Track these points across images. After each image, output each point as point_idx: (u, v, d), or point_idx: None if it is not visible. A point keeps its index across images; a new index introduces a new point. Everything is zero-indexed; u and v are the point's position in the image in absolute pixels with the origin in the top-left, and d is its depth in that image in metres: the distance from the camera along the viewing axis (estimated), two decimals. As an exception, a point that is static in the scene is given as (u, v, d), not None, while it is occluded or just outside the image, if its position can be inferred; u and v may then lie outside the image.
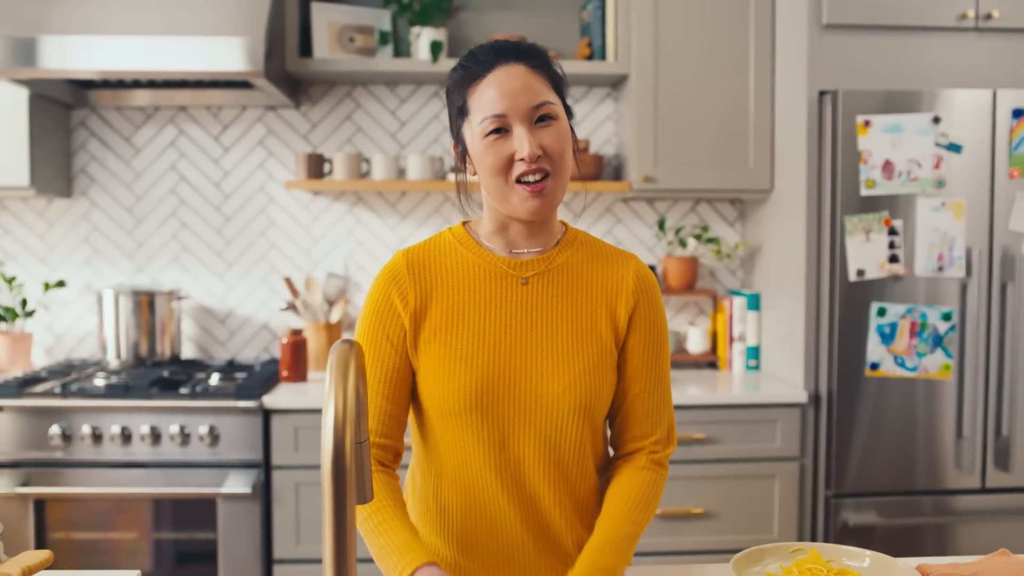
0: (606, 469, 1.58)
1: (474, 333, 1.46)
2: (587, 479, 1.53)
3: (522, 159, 1.39)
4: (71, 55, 2.87)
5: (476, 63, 1.43)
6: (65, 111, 3.44)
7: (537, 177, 1.41)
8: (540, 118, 1.41)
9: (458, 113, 1.46)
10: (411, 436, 1.57)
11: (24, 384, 2.92)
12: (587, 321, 1.49)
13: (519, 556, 1.50)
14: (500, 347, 1.45)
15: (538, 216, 1.45)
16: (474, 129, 1.42)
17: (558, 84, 1.47)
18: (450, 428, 1.46)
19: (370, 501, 1.08)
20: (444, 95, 1.57)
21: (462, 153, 1.49)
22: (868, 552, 1.48)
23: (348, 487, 0.96)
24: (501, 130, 1.40)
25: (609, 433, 1.60)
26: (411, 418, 1.55)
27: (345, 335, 3.54)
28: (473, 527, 1.49)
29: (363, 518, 1.41)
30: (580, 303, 1.50)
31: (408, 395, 1.50)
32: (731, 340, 3.46)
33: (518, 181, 1.41)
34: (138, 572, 1.52)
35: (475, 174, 1.48)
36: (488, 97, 1.40)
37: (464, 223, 1.56)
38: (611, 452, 1.61)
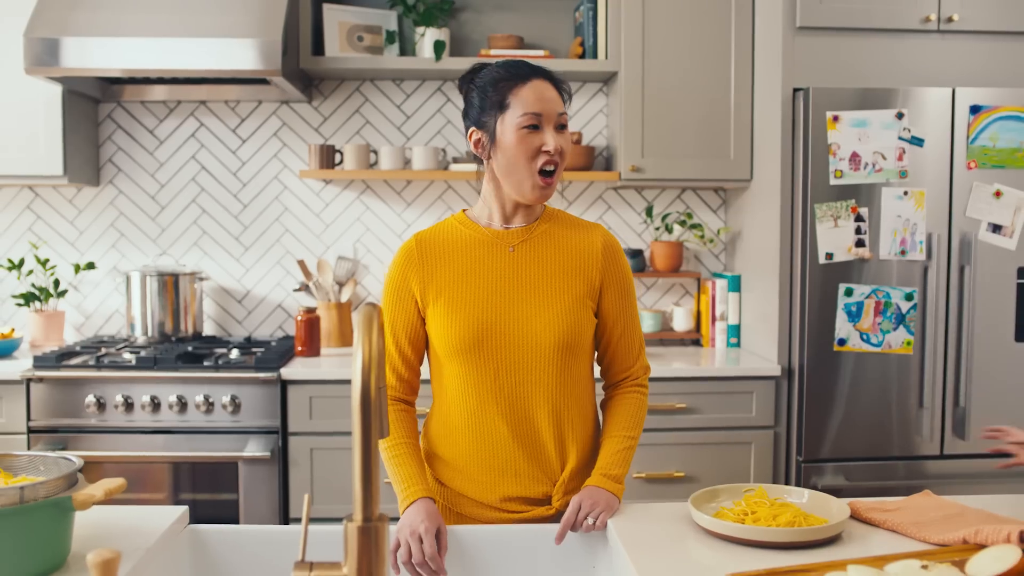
0: (593, 398, 1.95)
1: (471, 289, 1.82)
2: (573, 404, 1.86)
3: (547, 151, 1.78)
4: (115, 56, 3.13)
5: (518, 71, 1.80)
6: (93, 105, 3.70)
7: (551, 169, 1.79)
8: (560, 125, 1.80)
9: (497, 107, 1.79)
10: (429, 376, 1.94)
11: (61, 357, 3.18)
12: (563, 277, 1.85)
13: (512, 468, 1.84)
14: (492, 299, 1.82)
15: (542, 201, 1.83)
16: (511, 120, 1.77)
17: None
18: (455, 364, 1.83)
19: (387, 436, 1.35)
20: (457, 88, 1.94)
21: (482, 140, 1.82)
22: (807, 490, 1.75)
23: (372, 420, 1.21)
24: (535, 127, 1.77)
25: (598, 369, 1.98)
26: (427, 362, 1.94)
27: (355, 314, 3.81)
28: (476, 444, 1.85)
29: (383, 448, 1.80)
30: (557, 263, 1.85)
31: (423, 342, 1.89)
32: (714, 319, 3.72)
33: (540, 172, 1.79)
34: (186, 508, 1.78)
35: (489, 159, 1.82)
36: (530, 98, 1.77)
37: (463, 210, 1.93)
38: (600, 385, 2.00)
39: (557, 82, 1.83)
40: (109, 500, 1.50)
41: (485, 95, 1.81)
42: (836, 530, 1.58)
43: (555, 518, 1.86)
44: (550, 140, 1.77)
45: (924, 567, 1.35)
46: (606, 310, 1.89)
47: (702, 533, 1.64)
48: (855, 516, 1.71)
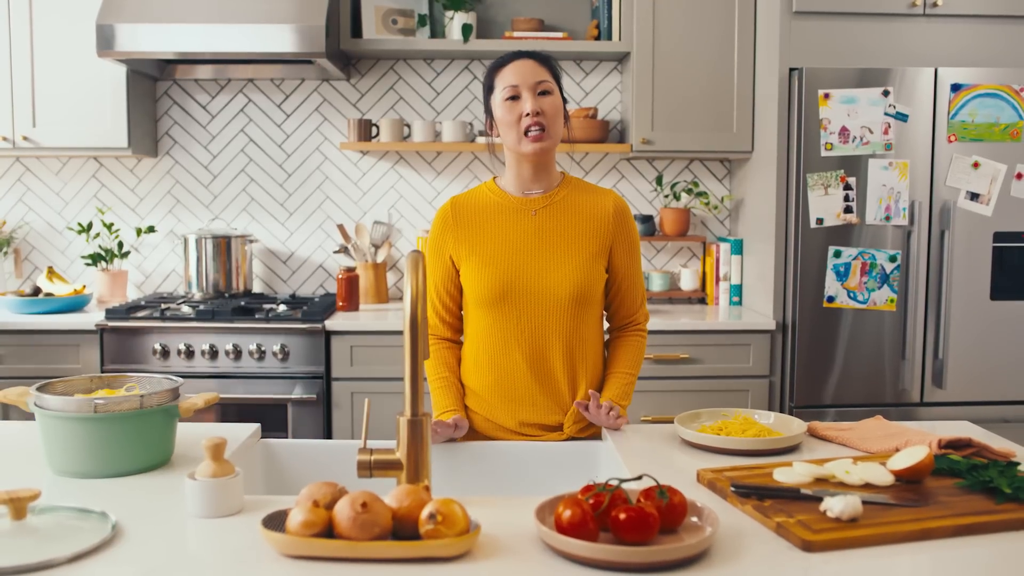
0: (602, 344, 2.26)
1: (499, 249, 2.14)
2: (584, 347, 2.17)
3: (527, 114, 2.07)
4: (179, 40, 3.50)
5: (503, 58, 2.14)
6: (152, 83, 4.06)
7: (536, 131, 2.08)
8: (540, 92, 2.09)
9: (489, 90, 2.14)
10: (464, 321, 2.28)
11: (129, 310, 3.57)
12: (578, 238, 2.14)
13: (528, 398, 2.17)
14: (516, 257, 2.13)
15: (538, 155, 2.10)
16: (498, 97, 2.10)
17: (556, 75, 2.14)
18: (484, 311, 2.16)
19: (427, 358, 1.71)
20: (474, 71, 2.31)
21: (490, 122, 2.17)
22: (774, 413, 2.09)
23: (419, 339, 1.56)
24: (515, 97, 2.08)
25: (606, 315, 2.30)
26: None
27: (390, 273, 4.17)
28: (499, 378, 2.17)
29: (429, 378, 2.20)
30: (573, 226, 2.15)
31: (459, 289, 2.21)
32: (718, 279, 4.05)
33: (525, 132, 2.08)
34: (258, 425, 2.15)
35: (499, 136, 2.14)
36: (507, 76, 2.10)
37: (494, 178, 2.22)
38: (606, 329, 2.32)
39: (539, 58, 2.12)
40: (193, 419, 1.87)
41: (485, 85, 2.17)
42: (793, 441, 1.92)
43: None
44: (527, 105, 2.05)
45: (854, 463, 1.69)
46: (615, 266, 2.18)
47: (685, 445, 1.99)
48: (814, 434, 2.05)
